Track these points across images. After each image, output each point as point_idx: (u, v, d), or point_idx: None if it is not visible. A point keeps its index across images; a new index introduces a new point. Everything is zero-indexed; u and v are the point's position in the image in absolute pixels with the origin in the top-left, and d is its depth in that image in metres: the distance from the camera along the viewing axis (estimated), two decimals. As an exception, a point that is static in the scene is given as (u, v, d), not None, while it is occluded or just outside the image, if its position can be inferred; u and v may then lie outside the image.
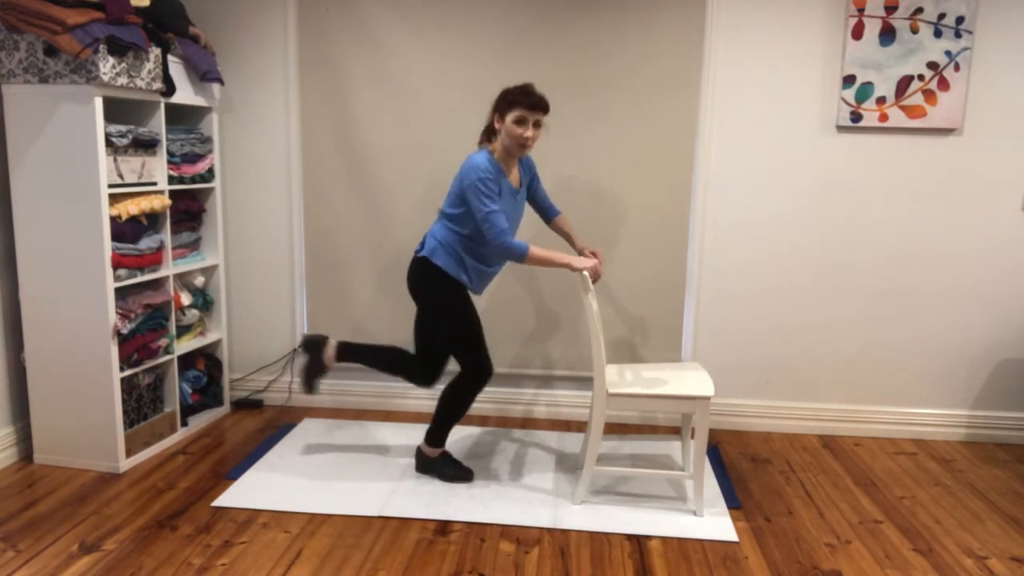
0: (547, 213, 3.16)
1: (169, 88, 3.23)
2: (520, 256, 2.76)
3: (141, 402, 3.30)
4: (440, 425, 3.09)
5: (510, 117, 2.77)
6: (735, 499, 2.98)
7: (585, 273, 2.77)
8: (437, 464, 3.12)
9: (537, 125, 2.80)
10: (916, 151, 3.50)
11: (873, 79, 3.42)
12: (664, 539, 2.68)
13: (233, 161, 3.83)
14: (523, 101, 2.74)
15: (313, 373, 3.19)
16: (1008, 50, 3.39)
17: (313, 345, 3.17)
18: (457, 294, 2.93)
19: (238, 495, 2.93)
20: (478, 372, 2.98)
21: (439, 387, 3.66)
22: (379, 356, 3.16)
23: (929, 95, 3.42)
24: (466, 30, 3.56)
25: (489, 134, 2.91)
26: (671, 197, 3.61)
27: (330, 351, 3.15)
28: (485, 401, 3.86)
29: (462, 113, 3.61)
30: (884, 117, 3.45)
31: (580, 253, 3.02)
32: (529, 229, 3.54)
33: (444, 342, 3.03)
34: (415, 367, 3.14)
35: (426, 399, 3.88)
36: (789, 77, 3.49)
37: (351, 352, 3.16)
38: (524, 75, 3.54)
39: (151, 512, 2.79)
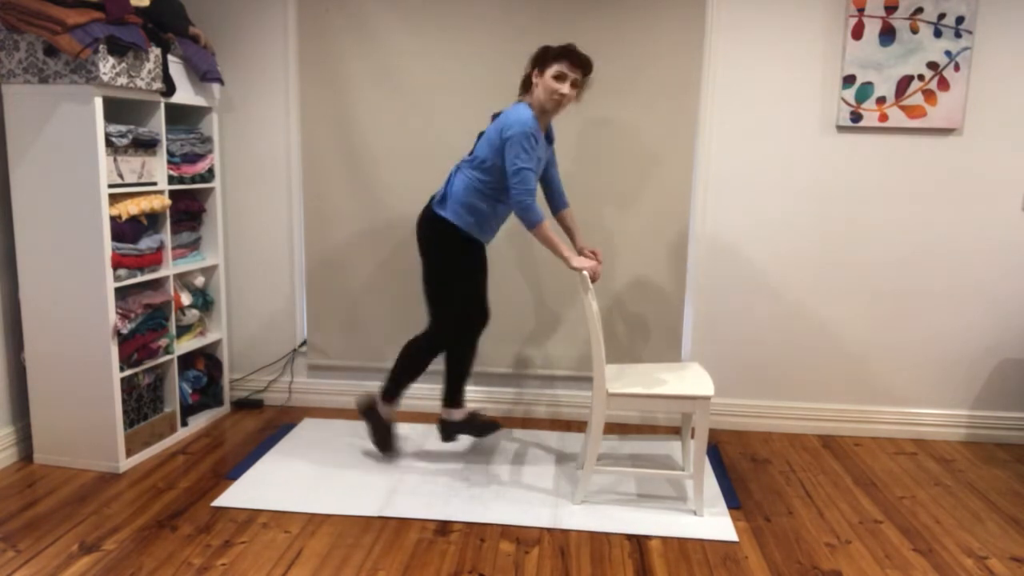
0: (557, 200, 3.12)
1: (169, 88, 3.23)
2: (532, 223, 2.74)
3: (141, 402, 3.30)
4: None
5: (550, 72, 2.74)
6: (735, 499, 2.98)
7: (584, 273, 2.77)
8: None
9: (575, 85, 2.77)
10: (916, 151, 3.50)
11: (873, 79, 3.42)
12: (664, 539, 2.68)
13: (233, 161, 3.83)
14: (564, 57, 2.72)
15: (382, 435, 3.21)
16: (1008, 50, 3.39)
17: (368, 410, 3.20)
18: (461, 248, 2.92)
19: (238, 495, 2.93)
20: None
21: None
22: (408, 364, 3.11)
23: (929, 95, 3.42)
24: (466, 30, 3.56)
25: (526, 87, 2.88)
26: (671, 197, 3.61)
27: (382, 407, 3.17)
28: (485, 401, 3.86)
29: (462, 113, 3.61)
30: (884, 117, 3.45)
31: (580, 252, 3.02)
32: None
33: (429, 290, 2.99)
34: (436, 338, 3.07)
35: (427, 400, 3.88)
36: (789, 77, 3.49)
37: (392, 387, 3.14)
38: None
39: (151, 512, 2.79)
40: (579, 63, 2.74)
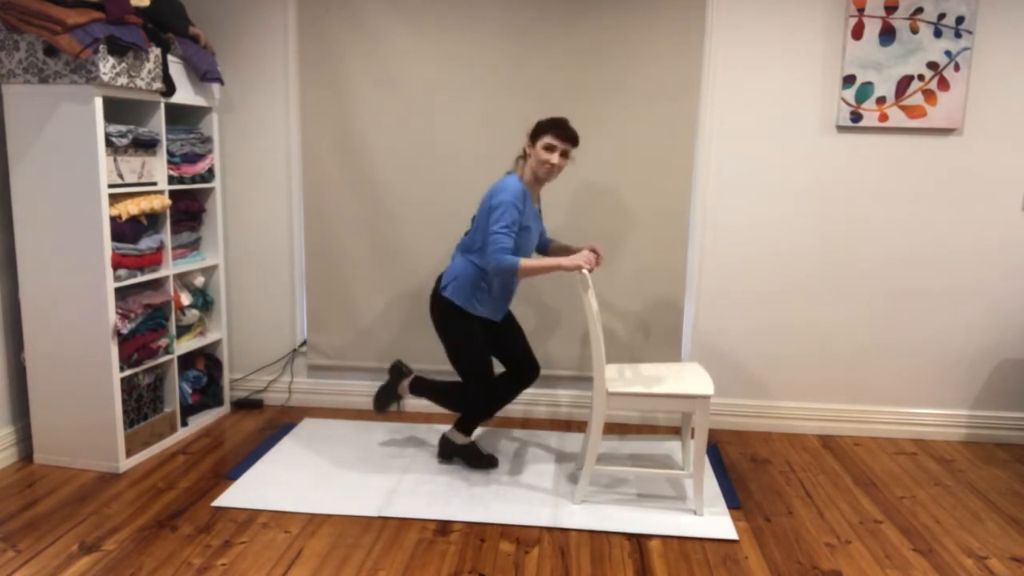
0: (545, 246, 3.23)
1: (169, 88, 3.23)
2: (513, 270, 2.83)
3: (141, 402, 3.30)
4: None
5: (540, 143, 2.90)
6: (735, 499, 2.98)
7: (584, 271, 2.76)
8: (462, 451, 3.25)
9: (564, 155, 2.92)
10: (916, 151, 3.50)
11: (873, 79, 3.42)
12: (664, 539, 2.68)
13: (233, 161, 3.83)
14: (554, 130, 2.90)
15: (386, 395, 3.32)
16: (1008, 50, 3.39)
17: (395, 372, 3.32)
18: (469, 322, 3.02)
19: (238, 495, 2.93)
20: (480, 386, 3.10)
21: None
22: (445, 393, 3.22)
23: (929, 95, 3.42)
24: (466, 30, 3.56)
25: (521, 160, 3.04)
26: (671, 197, 3.61)
27: (406, 381, 3.29)
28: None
29: (462, 113, 3.61)
30: (884, 117, 3.45)
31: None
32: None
33: (454, 360, 3.10)
34: (481, 392, 3.16)
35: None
36: (789, 77, 3.49)
37: (421, 386, 3.26)
38: (524, 75, 3.56)
39: (151, 512, 2.79)
40: (567, 137, 2.90)
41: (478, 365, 3.06)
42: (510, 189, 2.87)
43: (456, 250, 3.08)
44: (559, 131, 2.90)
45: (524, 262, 2.81)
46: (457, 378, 3.18)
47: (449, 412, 3.76)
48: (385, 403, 3.32)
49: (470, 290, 2.98)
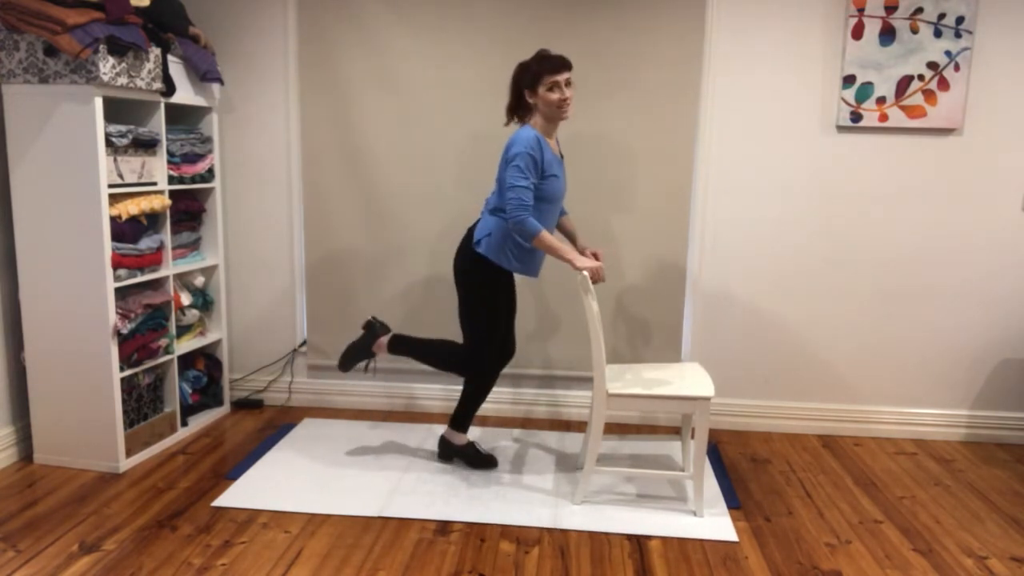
0: (561, 213, 3.16)
1: (169, 88, 3.23)
2: (531, 235, 2.77)
3: (141, 402, 3.30)
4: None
5: (543, 88, 2.80)
6: (735, 499, 2.98)
7: (585, 273, 2.77)
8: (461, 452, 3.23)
9: (568, 84, 2.83)
10: (916, 151, 3.50)
11: (873, 79, 3.42)
12: (664, 539, 2.68)
13: (233, 161, 3.83)
14: (548, 67, 2.78)
15: (356, 352, 3.21)
16: (1008, 50, 3.39)
17: (370, 328, 3.22)
18: (496, 282, 2.97)
19: (238, 495, 2.93)
20: (480, 355, 3.04)
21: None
22: (431, 349, 3.16)
23: (929, 95, 3.42)
24: (466, 31, 3.56)
25: (514, 111, 2.94)
26: (671, 197, 3.61)
27: (383, 340, 3.19)
28: (485, 401, 3.85)
29: (462, 113, 3.61)
30: (884, 117, 3.45)
31: (581, 253, 3.02)
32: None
33: (466, 321, 3.05)
34: (481, 359, 3.10)
35: (427, 400, 3.88)
36: (789, 77, 3.49)
37: (402, 344, 3.18)
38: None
39: (151, 512, 2.79)
40: (562, 66, 2.80)
41: (492, 329, 3.00)
42: (523, 140, 2.79)
43: (484, 209, 3.01)
44: (552, 66, 2.78)
45: (543, 236, 2.77)
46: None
47: (445, 413, 3.77)
48: (353, 361, 3.21)
49: (507, 246, 2.92)
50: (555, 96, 2.80)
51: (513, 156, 2.79)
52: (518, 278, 3.60)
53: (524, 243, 2.87)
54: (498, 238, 2.92)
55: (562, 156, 3.04)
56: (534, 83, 2.82)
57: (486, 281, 2.98)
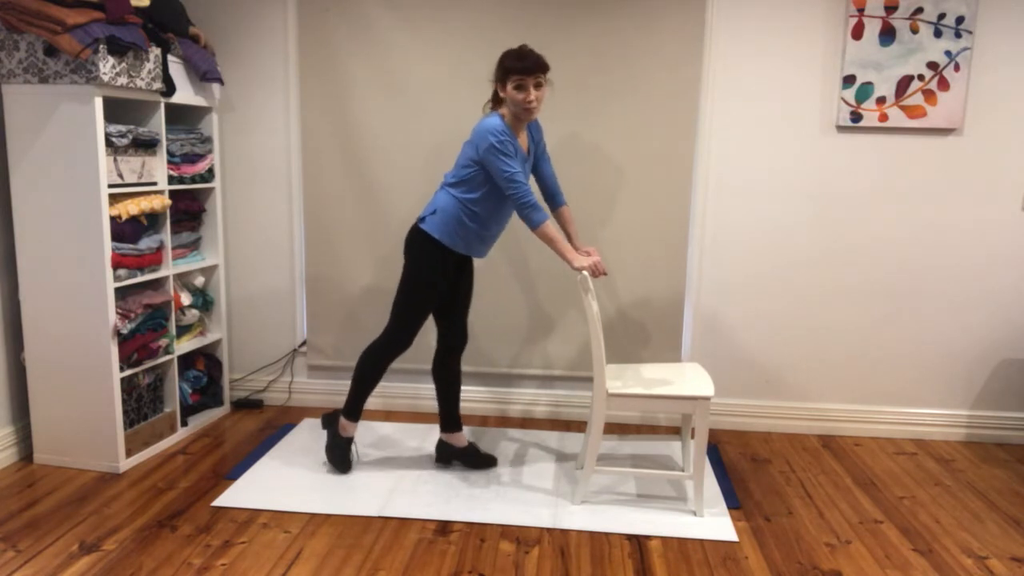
0: (553, 199, 3.09)
1: (169, 88, 3.23)
2: (536, 223, 2.74)
3: (141, 402, 3.30)
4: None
5: (510, 85, 2.74)
6: (735, 499, 2.98)
7: (585, 273, 2.77)
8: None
9: (539, 86, 2.76)
10: (916, 151, 3.50)
11: (873, 79, 3.42)
12: (664, 539, 2.68)
13: (233, 161, 3.83)
14: (518, 67, 2.71)
15: (335, 449, 3.14)
16: (1008, 50, 3.39)
17: (326, 423, 3.17)
18: (440, 265, 2.91)
19: (238, 495, 2.93)
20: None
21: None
22: (359, 374, 3.07)
23: (929, 95, 3.42)
24: (466, 31, 3.56)
25: (497, 101, 2.91)
26: (671, 197, 3.61)
27: (342, 419, 3.12)
28: (485, 401, 3.86)
29: (462, 113, 3.61)
30: (884, 117, 3.45)
31: (576, 251, 3.01)
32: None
33: (397, 298, 2.99)
34: (396, 343, 3.03)
35: (427, 400, 3.88)
36: (789, 77, 3.49)
37: (348, 401, 3.10)
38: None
39: (151, 512, 2.79)
40: (534, 68, 2.71)
41: (419, 314, 2.94)
42: (491, 128, 2.73)
43: (441, 186, 2.96)
44: (523, 66, 2.70)
45: (548, 226, 2.75)
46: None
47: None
48: (341, 458, 3.12)
49: (453, 224, 2.86)
50: (520, 96, 2.73)
51: (487, 147, 2.73)
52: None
53: (498, 219, 2.85)
54: (444, 215, 2.86)
55: (529, 154, 2.95)
56: (503, 78, 2.77)
57: (428, 261, 2.89)
